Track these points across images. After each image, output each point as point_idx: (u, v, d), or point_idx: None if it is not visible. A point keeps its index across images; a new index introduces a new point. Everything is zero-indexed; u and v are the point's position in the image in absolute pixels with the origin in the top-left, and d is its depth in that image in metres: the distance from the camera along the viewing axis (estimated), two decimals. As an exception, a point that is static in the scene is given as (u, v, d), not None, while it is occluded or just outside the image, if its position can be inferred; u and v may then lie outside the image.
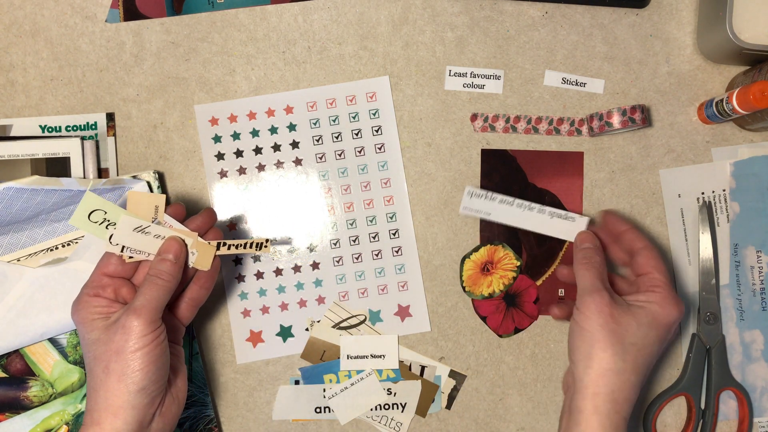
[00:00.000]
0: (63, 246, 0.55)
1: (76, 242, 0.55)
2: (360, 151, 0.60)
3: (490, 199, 0.57)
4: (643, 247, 0.52)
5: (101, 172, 0.59)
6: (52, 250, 0.55)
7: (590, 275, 0.50)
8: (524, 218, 0.57)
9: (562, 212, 0.56)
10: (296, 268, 0.60)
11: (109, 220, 0.48)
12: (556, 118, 0.61)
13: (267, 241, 0.51)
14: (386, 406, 0.59)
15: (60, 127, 0.59)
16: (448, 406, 0.60)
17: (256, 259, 0.59)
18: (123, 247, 0.48)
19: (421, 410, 0.60)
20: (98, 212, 0.48)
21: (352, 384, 0.59)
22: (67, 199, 0.53)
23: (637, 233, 0.53)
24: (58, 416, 0.56)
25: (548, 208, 0.56)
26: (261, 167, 0.60)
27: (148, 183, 0.56)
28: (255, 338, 0.59)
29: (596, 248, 0.53)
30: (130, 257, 0.49)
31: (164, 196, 0.49)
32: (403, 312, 0.60)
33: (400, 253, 0.60)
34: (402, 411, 0.59)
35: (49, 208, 0.53)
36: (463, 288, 0.60)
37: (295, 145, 0.60)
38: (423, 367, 0.60)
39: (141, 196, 0.48)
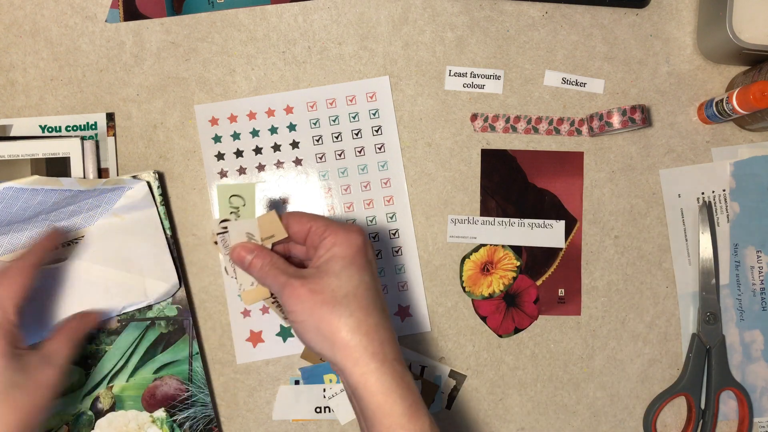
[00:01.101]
0: (63, 246, 0.55)
1: (77, 242, 0.55)
2: (360, 151, 0.60)
3: (472, 223, 0.59)
4: (296, 221, 0.48)
5: (101, 172, 0.59)
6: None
7: (272, 280, 0.46)
8: (508, 234, 0.59)
9: (540, 221, 0.58)
10: (296, 268, 0.60)
11: (238, 211, 0.48)
12: (556, 118, 0.61)
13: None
14: (386, 406, 0.59)
15: (60, 127, 0.59)
16: (448, 406, 0.60)
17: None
18: (221, 234, 0.48)
19: (421, 410, 0.60)
20: (238, 199, 0.48)
21: (352, 384, 0.59)
22: (67, 199, 0.53)
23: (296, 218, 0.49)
24: (59, 416, 0.56)
25: (527, 220, 0.58)
26: (261, 167, 0.60)
27: (148, 183, 0.56)
28: (255, 338, 0.59)
29: (257, 254, 0.47)
30: (215, 242, 0.49)
31: (284, 234, 0.48)
32: (403, 312, 0.60)
33: (400, 253, 0.60)
34: (402, 411, 0.59)
35: (49, 208, 0.53)
36: (463, 288, 0.60)
37: (295, 145, 0.60)
38: (423, 367, 0.60)
39: (274, 220, 0.48)
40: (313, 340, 0.44)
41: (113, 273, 0.55)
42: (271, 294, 0.49)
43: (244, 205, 0.49)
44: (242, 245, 0.47)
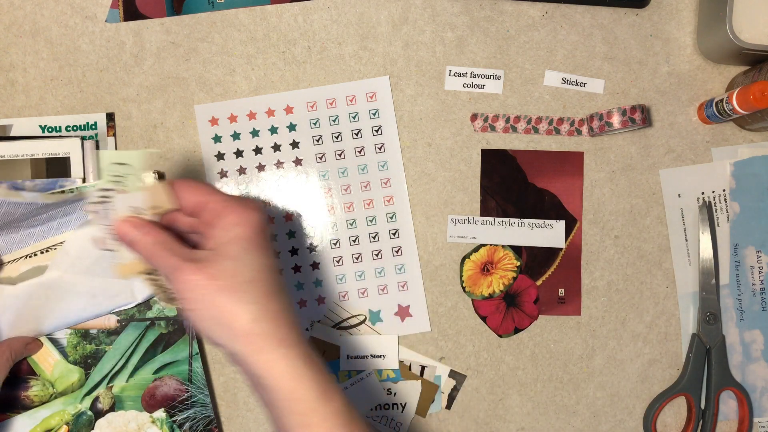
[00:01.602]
0: (42, 252, 0.54)
1: (55, 248, 0.54)
2: (360, 151, 0.60)
3: (472, 223, 0.59)
4: (189, 192, 0.44)
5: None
6: (30, 257, 0.54)
7: (162, 261, 0.42)
8: (508, 234, 0.59)
9: (540, 221, 0.58)
10: (296, 268, 0.60)
11: (123, 181, 0.44)
12: (556, 118, 0.61)
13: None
14: (386, 406, 0.59)
15: (60, 127, 0.59)
16: (448, 406, 0.60)
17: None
18: (100, 204, 0.44)
19: (421, 410, 0.60)
20: (124, 167, 0.44)
21: (352, 384, 0.59)
22: (38, 209, 0.52)
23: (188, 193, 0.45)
24: (59, 416, 0.56)
25: (527, 220, 0.58)
26: (261, 167, 0.60)
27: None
28: (255, 338, 0.59)
29: (145, 231, 0.43)
30: (93, 212, 0.45)
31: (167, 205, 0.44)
32: (403, 312, 0.60)
33: (400, 253, 0.60)
34: (402, 411, 0.59)
35: (20, 217, 0.52)
36: (463, 288, 0.60)
37: (295, 145, 0.60)
38: (423, 367, 0.60)
39: (161, 191, 0.44)
40: (210, 328, 0.41)
41: (98, 281, 0.54)
42: (153, 271, 0.45)
43: (130, 174, 0.44)
44: (128, 220, 0.43)
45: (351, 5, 0.60)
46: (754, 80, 0.56)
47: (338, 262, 0.60)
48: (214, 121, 0.60)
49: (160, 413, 0.57)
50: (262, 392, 0.42)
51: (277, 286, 0.42)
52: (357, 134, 0.60)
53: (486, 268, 0.60)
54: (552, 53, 0.61)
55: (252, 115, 0.60)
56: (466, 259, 0.60)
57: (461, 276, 0.60)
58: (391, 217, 0.60)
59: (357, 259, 0.60)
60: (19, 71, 0.59)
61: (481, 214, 0.60)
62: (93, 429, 0.56)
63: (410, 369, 0.60)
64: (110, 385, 0.57)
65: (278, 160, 0.60)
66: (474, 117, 0.60)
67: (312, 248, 0.60)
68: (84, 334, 0.56)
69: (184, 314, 0.41)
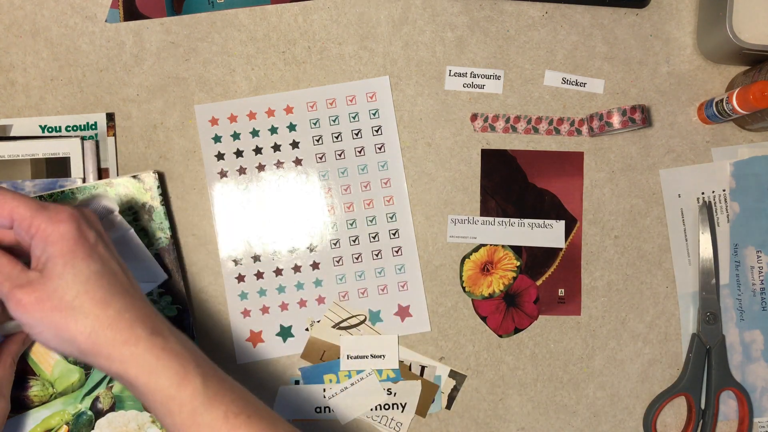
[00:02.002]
0: None
1: None
2: (360, 151, 0.60)
3: (472, 223, 0.59)
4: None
5: (101, 172, 0.59)
6: None
7: None
8: (508, 234, 0.59)
9: (540, 221, 0.58)
10: (296, 268, 0.60)
11: None
12: (556, 118, 0.61)
13: None
14: (386, 406, 0.59)
15: (60, 127, 0.59)
16: (448, 406, 0.60)
17: (256, 259, 0.59)
18: None
19: (421, 410, 0.60)
20: None
21: (352, 384, 0.59)
22: None
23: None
24: (59, 416, 0.56)
25: (527, 220, 0.58)
26: (261, 167, 0.60)
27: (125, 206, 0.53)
28: (255, 338, 0.59)
29: None
30: None
31: None
32: (403, 312, 0.60)
33: (400, 253, 0.60)
34: (402, 411, 0.59)
35: None
36: (463, 288, 0.60)
37: (295, 145, 0.60)
38: (423, 367, 0.60)
39: None
40: (57, 347, 0.41)
41: None
42: None
43: None
44: None
45: (351, 5, 0.60)
46: (754, 80, 0.56)
47: (338, 262, 0.60)
48: (214, 121, 0.60)
49: (160, 413, 0.57)
50: (131, 391, 0.42)
51: (113, 286, 0.42)
52: (357, 134, 0.60)
53: (486, 268, 0.60)
54: (552, 53, 0.61)
55: (252, 115, 0.60)
56: (466, 259, 0.60)
57: (461, 276, 0.60)
58: (391, 217, 0.60)
59: (357, 259, 0.60)
60: (19, 71, 0.59)
61: (481, 214, 0.60)
62: (93, 429, 0.56)
63: (410, 369, 0.60)
64: (110, 384, 0.57)
65: (278, 160, 0.60)
66: (474, 117, 0.60)
67: (312, 248, 0.60)
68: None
69: (31, 335, 0.41)
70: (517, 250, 0.60)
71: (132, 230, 0.55)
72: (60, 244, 0.41)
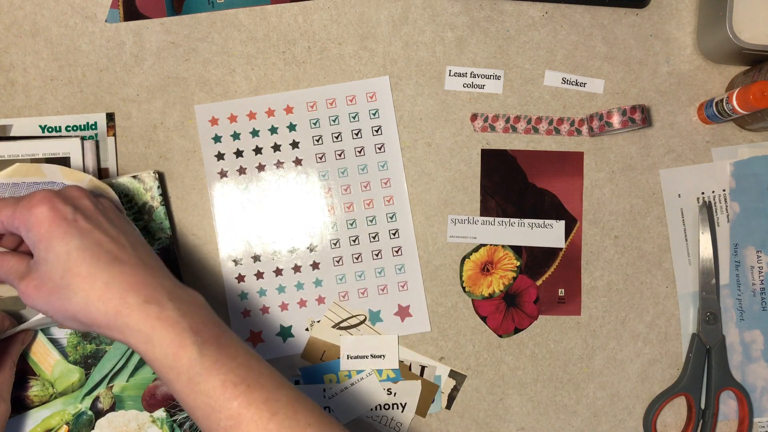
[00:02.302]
0: None
1: None
2: (360, 151, 0.60)
3: (472, 223, 0.59)
4: None
5: (101, 172, 0.59)
6: None
7: (9, 282, 0.45)
8: (508, 234, 0.59)
9: (540, 221, 0.58)
10: (296, 268, 0.60)
11: None
12: (556, 118, 0.61)
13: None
14: (386, 406, 0.59)
15: (60, 127, 0.59)
16: (448, 406, 0.60)
17: (256, 259, 0.59)
18: None
19: (421, 410, 0.60)
20: None
21: (352, 384, 0.59)
22: None
23: None
24: (59, 416, 0.56)
25: (527, 220, 0.58)
26: (261, 167, 0.60)
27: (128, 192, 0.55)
28: (255, 338, 0.59)
29: None
30: None
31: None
32: (403, 312, 0.60)
33: (400, 253, 0.60)
34: (402, 411, 0.59)
35: None
36: (463, 288, 0.60)
37: (295, 145, 0.60)
38: (423, 367, 0.60)
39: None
40: (72, 325, 0.43)
41: None
42: None
43: None
44: None
45: (351, 5, 0.60)
46: (754, 80, 0.56)
47: (338, 262, 0.60)
48: (214, 121, 0.60)
49: (161, 413, 0.57)
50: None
51: (97, 258, 0.42)
52: (357, 134, 0.60)
53: (486, 268, 0.60)
54: (552, 53, 0.61)
55: (252, 115, 0.60)
56: (466, 259, 0.60)
57: (461, 276, 0.60)
58: (391, 217, 0.60)
59: (357, 259, 0.60)
60: (19, 71, 0.59)
61: (481, 214, 0.60)
62: (93, 429, 0.56)
63: (410, 369, 0.60)
64: (110, 384, 0.57)
65: (278, 160, 0.60)
66: (474, 117, 0.60)
67: (312, 248, 0.60)
68: (84, 334, 0.56)
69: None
70: (517, 250, 0.60)
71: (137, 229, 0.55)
72: (37, 228, 0.42)
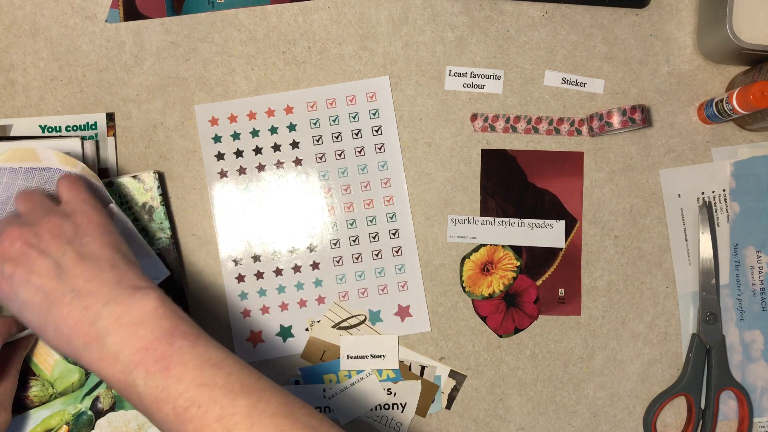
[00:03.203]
0: None
1: None
2: (360, 151, 0.60)
3: (472, 223, 0.59)
4: None
5: (101, 172, 0.59)
6: None
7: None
8: (508, 234, 0.59)
9: (540, 221, 0.59)
10: (296, 268, 0.60)
11: None
12: (556, 118, 0.61)
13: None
14: (386, 406, 0.59)
15: (60, 127, 0.59)
16: (448, 406, 0.60)
17: (256, 259, 0.59)
18: None
19: (421, 410, 0.60)
20: None
21: (352, 384, 0.59)
22: (50, 181, 0.51)
23: None
24: (59, 416, 0.56)
25: (527, 220, 0.58)
26: (261, 167, 0.60)
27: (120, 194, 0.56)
28: (255, 338, 0.59)
29: None
30: None
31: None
32: (403, 312, 0.60)
33: (400, 253, 0.60)
34: (402, 411, 0.59)
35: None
36: (463, 288, 0.60)
37: (295, 145, 0.60)
38: (423, 367, 0.60)
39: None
40: (59, 348, 0.43)
41: None
42: None
43: None
44: None
45: (351, 5, 0.60)
46: (754, 80, 0.56)
47: (338, 262, 0.60)
48: (214, 121, 0.60)
49: (160, 413, 0.57)
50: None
51: (40, 307, 0.42)
52: (357, 134, 0.60)
53: (486, 268, 0.60)
54: (552, 53, 0.61)
55: (252, 115, 0.60)
56: (466, 259, 0.60)
57: (461, 276, 0.60)
58: (391, 217, 0.60)
59: (357, 259, 0.60)
60: (19, 71, 0.59)
61: (481, 214, 0.60)
62: (93, 429, 0.56)
63: (410, 369, 0.60)
64: (110, 385, 0.57)
65: (278, 160, 0.60)
66: (474, 117, 0.60)
67: (312, 248, 0.60)
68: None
69: None
70: (517, 250, 0.60)
71: (131, 224, 0.54)
72: None
